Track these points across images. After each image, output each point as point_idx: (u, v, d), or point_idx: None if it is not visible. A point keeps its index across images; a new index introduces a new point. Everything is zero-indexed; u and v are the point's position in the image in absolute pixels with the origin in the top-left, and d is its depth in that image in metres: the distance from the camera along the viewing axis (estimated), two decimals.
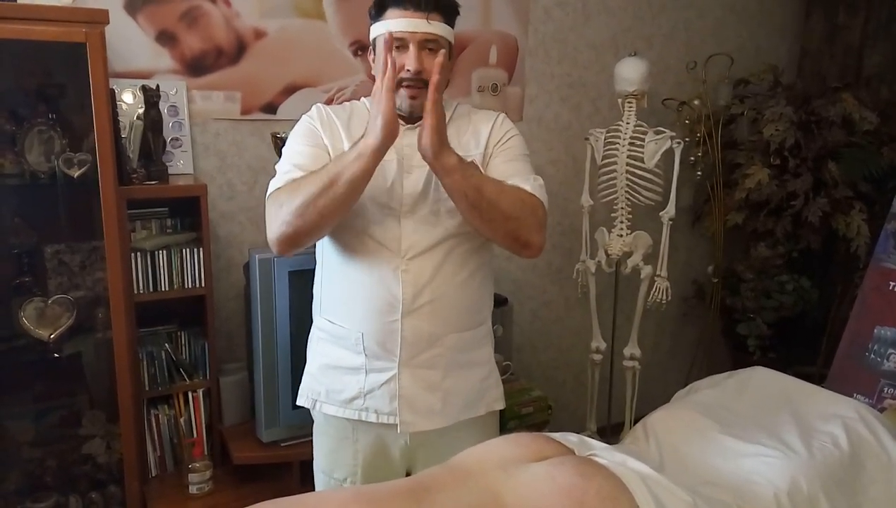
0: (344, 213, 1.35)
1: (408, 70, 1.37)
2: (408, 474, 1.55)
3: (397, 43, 1.37)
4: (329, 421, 1.56)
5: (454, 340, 1.48)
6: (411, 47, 1.37)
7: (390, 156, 1.37)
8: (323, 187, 1.29)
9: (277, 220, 1.34)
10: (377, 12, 1.42)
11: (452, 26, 1.44)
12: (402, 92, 1.39)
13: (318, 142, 1.45)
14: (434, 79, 1.28)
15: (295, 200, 1.31)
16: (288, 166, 1.42)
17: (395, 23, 1.37)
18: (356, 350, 1.47)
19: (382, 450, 1.53)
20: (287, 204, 1.33)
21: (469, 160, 1.40)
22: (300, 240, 1.36)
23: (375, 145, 1.26)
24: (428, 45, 1.39)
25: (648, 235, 2.60)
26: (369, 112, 1.30)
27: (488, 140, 1.50)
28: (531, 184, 1.44)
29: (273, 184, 1.42)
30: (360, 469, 1.54)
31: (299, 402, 1.60)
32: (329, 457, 1.58)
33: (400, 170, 1.43)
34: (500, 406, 1.61)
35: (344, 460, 1.55)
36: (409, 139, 1.40)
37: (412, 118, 1.42)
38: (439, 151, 1.29)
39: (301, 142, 1.45)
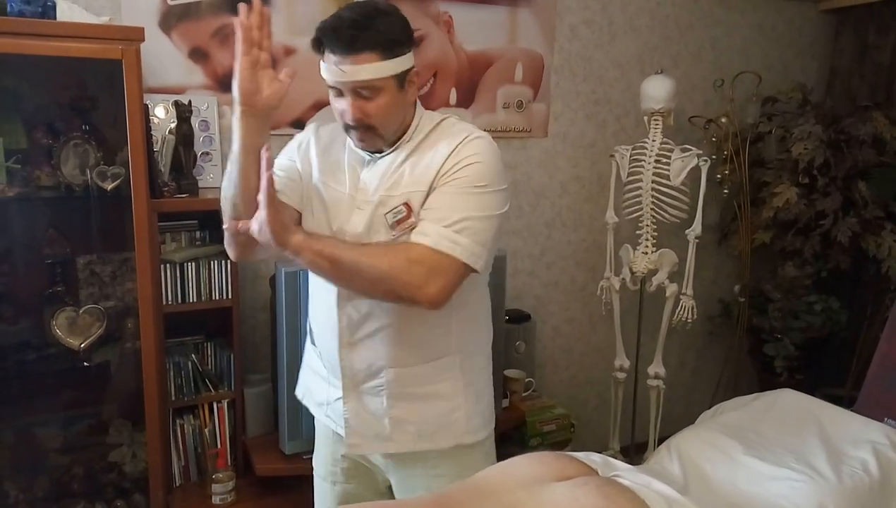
0: (251, 199, 1.27)
1: (346, 121, 1.33)
2: (388, 485, 1.56)
3: (334, 90, 1.33)
4: (318, 422, 1.64)
5: (395, 374, 1.42)
6: (346, 94, 1.31)
7: (343, 188, 1.39)
8: (227, 180, 1.36)
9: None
10: (316, 49, 1.32)
11: (402, 55, 1.30)
12: (352, 133, 1.35)
13: (291, 156, 1.48)
14: (265, 180, 1.21)
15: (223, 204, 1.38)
16: None
17: (325, 69, 1.30)
18: (322, 361, 1.53)
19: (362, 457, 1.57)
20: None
21: (405, 200, 1.34)
22: (237, 240, 1.38)
23: (237, 111, 1.32)
24: (363, 91, 1.29)
25: (674, 253, 2.59)
26: None
27: (439, 170, 1.33)
28: (435, 231, 1.28)
29: None
30: (339, 469, 1.60)
31: (296, 392, 1.69)
32: (317, 454, 1.67)
33: (351, 204, 1.39)
34: (469, 440, 1.47)
35: (325, 458, 1.64)
36: (367, 173, 1.39)
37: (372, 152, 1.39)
38: (282, 238, 1.24)
39: (281, 155, 1.49)
